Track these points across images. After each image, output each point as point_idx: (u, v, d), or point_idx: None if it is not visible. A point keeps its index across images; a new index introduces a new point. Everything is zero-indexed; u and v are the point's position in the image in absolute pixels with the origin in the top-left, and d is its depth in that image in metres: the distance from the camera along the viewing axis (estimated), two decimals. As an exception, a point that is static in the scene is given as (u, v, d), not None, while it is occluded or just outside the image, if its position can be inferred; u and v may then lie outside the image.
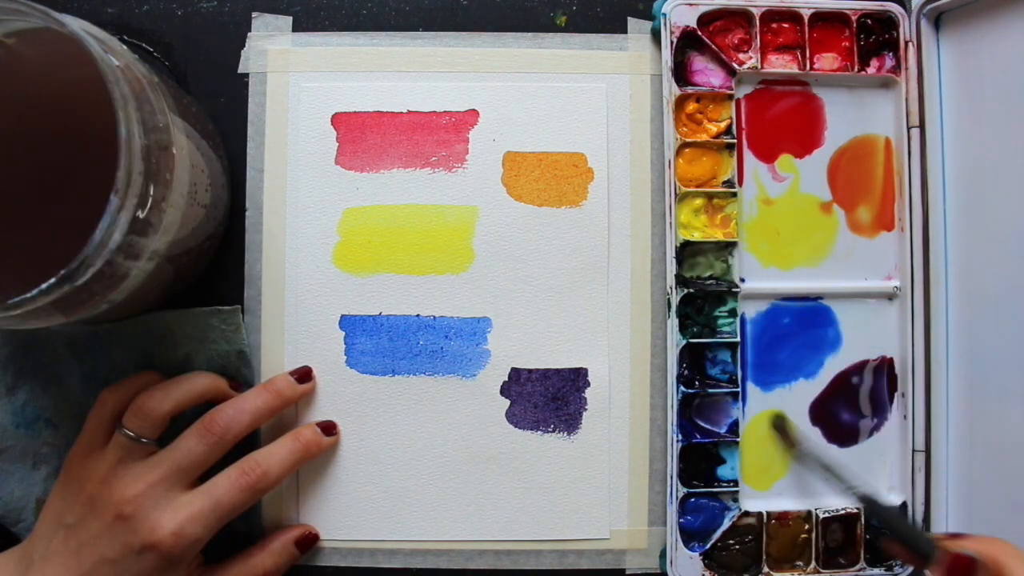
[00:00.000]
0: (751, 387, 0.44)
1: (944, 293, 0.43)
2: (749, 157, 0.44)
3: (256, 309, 0.43)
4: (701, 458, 0.43)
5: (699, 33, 0.43)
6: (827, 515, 0.43)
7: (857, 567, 0.42)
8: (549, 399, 0.43)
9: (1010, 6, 0.40)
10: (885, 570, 0.43)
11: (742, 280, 0.43)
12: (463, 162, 0.43)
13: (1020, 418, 0.40)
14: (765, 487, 0.44)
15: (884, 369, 0.44)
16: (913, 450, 0.43)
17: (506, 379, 0.43)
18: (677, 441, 0.42)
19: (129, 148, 0.29)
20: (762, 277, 0.44)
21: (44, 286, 0.29)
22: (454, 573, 0.43)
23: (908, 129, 0.43)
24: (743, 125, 0.44)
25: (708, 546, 0.42)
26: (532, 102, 0.43)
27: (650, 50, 0.44)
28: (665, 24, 0.43)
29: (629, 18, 0.44)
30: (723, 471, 0.43)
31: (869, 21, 0.44)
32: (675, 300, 0.42)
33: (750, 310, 0.44)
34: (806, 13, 0.43)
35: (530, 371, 0.43)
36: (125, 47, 0.33)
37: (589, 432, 0.43)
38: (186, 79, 0.43)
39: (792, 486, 0.44)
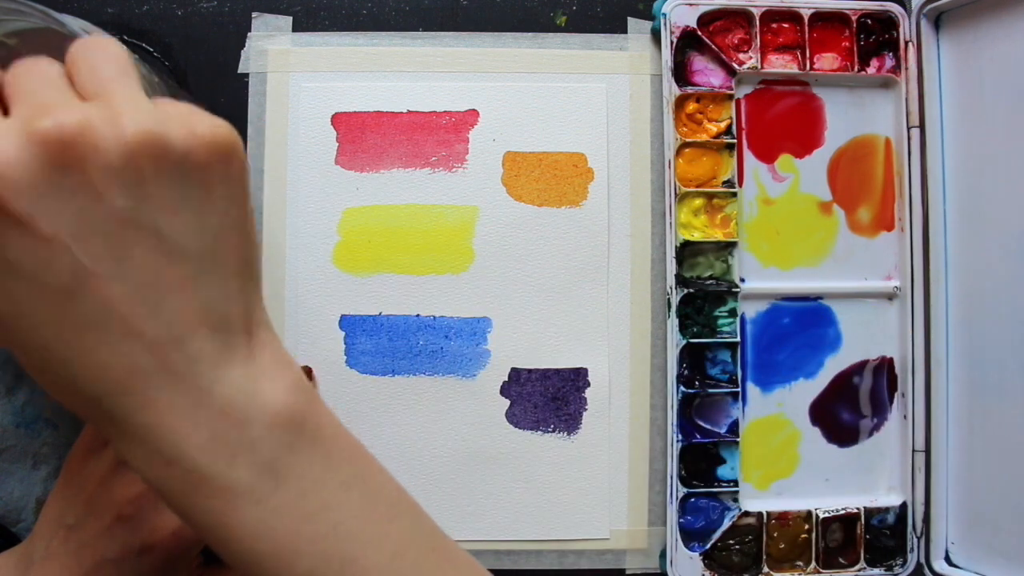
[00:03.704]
0: (751, 387, 0.44)
1: (944, 293, 0.43)
2: (749, 157, 0.44)
3: (256, 309, 0.43)
4: (701, 458, 0.43)
5: (699, 33, 0.43)
6: (827, 515, 0.43)
7: (857, 567, 0.42)
8: (549, 399, 0.43)
9: (1010, 6, 0.40)
10: (885, 570, 0.43)
11: (742, 280, 0.43)
12: (463, 162, 0.43)
13: (1020, 418, 0.40)
14: (765, 487, 0.44)
15: (884, 369, 0.44)
16: (913, 450, 0.43)
17: (506, 379, 0.43)
18: (677, 441, 0.42)
19: (129, 148, 0.29)
20: (762, 277, 0.44)
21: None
22: (454, 573, 0.43)
23: (908, 129, 0.43)
24: (743, 125, 0.44)
25: (708, 546, 0.42)
26: (532, 102, 0.43)
27: (650, 50, 0.44)
28: (665, 24, 0.43)
29: (629, 18, 0.44)
30: (723, 471, 0.43)
31: (869, 21, 0.44)
32: (675, 300, 0.42)
33: (750, 310, 0.44)
34: (806, 13, 0.43)
35: (530, 371, 0.43)
36: (125, 47, 0.33)
37: (589, 432, 0.43)
38: (186, 79, 0.43)
39: (792, 486, 0.44)
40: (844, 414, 0.44)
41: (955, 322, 0.43)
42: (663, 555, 0.42)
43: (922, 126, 0.43)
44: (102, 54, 0.22)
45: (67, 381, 0.21)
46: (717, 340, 0.43)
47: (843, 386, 0.44)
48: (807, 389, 0.44)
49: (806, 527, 0.43)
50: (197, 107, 0.22)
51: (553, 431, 0.43)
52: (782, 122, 0.44)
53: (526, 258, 0.43)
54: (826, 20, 0.44)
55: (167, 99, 0.22)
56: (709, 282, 0.43)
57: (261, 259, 0.22)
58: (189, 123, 0.21)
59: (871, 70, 0.44)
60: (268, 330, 0.25)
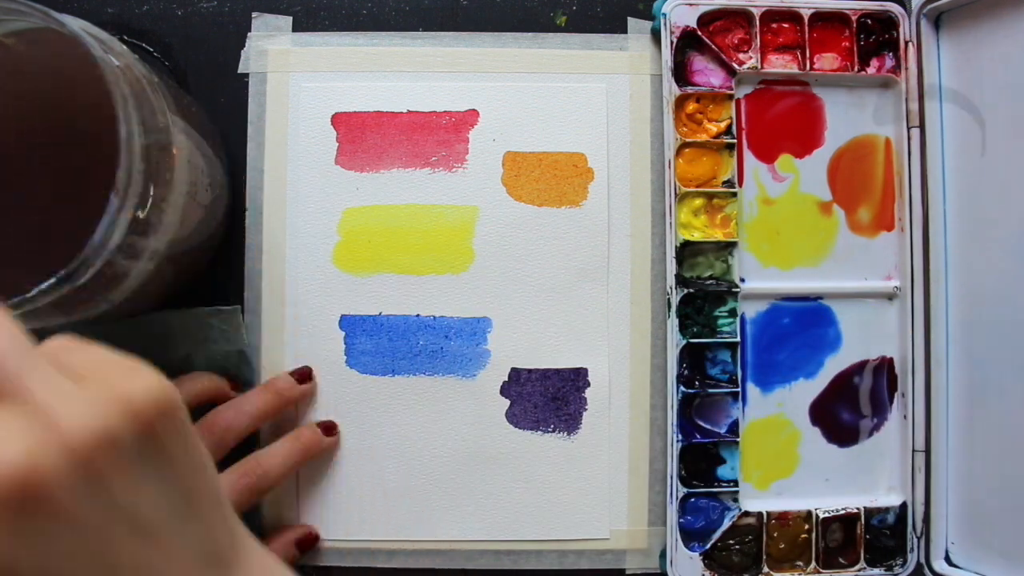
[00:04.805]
0: (751, 387, 0.44)
1: (944, 293, 0.43)
2: (749, 157, 0.44)
3: (256, 309, 0.43)
4: (701, 458, 0.43)
5: (699, 33, 0.43)
6: (827, 515, 0.43)
7: (857, 567, 0.42)
8: (549, 399, 0.43)
9: (1010, 6, 0.40)
10: (885, 570, 0.43)
11: (742, 280, 0.43)
12: (463, 162, 0.43)
13: (1020, 418, 0.40)
14: (765, 487, 0.44)
15: (884, 369, 0.44)
16: (913, 450, 0.43)
17: (506, 379, 0.43)
18: (677, 441, 0.42)
19: (129, 148, 0.29)
20: (762, 277, 0.44)
21: (44, 286, 0.29)
22: (454, 573, 0.43)
23: (908, 129, 0.43)
24: (743, 125, 0.44)
25: (708, 546, 0.42)
26: (532, 102, 0.43)
27: (650, 50, 0.44)
28: (665, 24, 0.43)
29: (629, 18, 0.44)
30: (723, 471, 0.43)
31: (869, 21, 0.44)
32: (675, 300, 0.42)
33: (750, 310, 0.44)
34: (806, 13, 0.43)
35: (530, 371, 0.43)
36: (125, 47, 0.33)
37: (589, 432, 0.43)
38: (186, 79, 0.43)
39: (792, 486, 0.44)
40: (844, 414, 0.44)
41: (955, 322, 0.43)
42: (663, 555, 0.42)
43: (922, 126, 0.43)
44: None
45: None
46: (717, 340, 0.43)
47: (843, 386, 0.44)
48: (807, 389, 0.44)
49: (806, 527, 0.43)
50: (110, 357, 0.21)
51: (553, 431, 0.43)
52: (782, 122, 0.44)
53: (526, 258, 0.43)
54: (826, 20, 0.44)
55: (76, 352, 0.21)
56: (709, 282, 0.43)
57: (217, 476, 0.24)
58: (121, 398, 0.20)
59: (871, 70, 0.44)
60: (248, 538, 0.25)
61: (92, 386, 0.20)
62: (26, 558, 0.18)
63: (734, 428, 0.43)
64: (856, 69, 0.44)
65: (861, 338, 0.44)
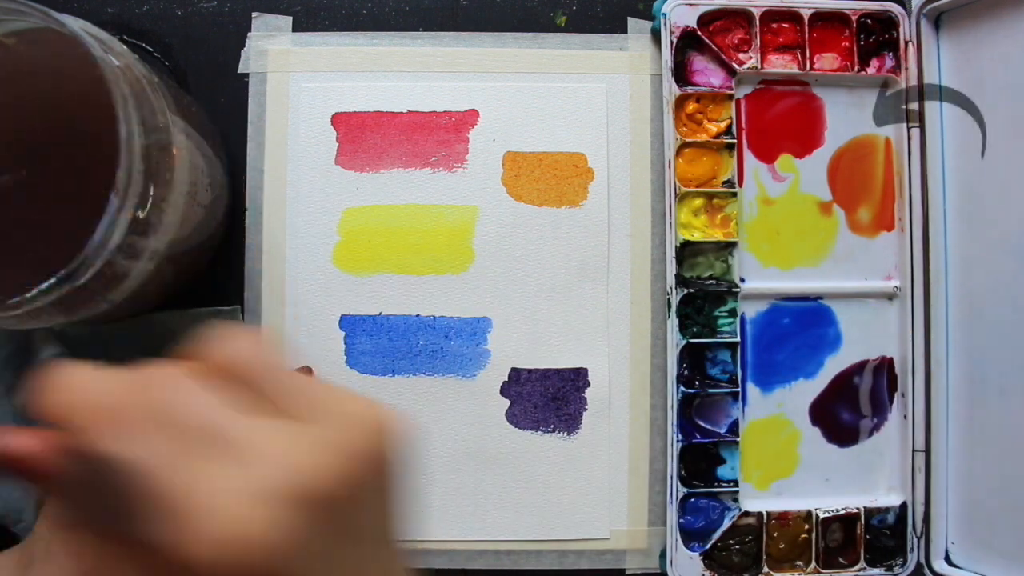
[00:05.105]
0: (751, 387, 0.44)
1: (944, 293, 0.43)
2: (749, 157, 0.44)
3: (256, 309, 0.43)
4: (701, 458, 0.43)
5: (699, 33, 0.43)
6: (827, 515, 0.43)
7: (857, 567, 0.42)
8: (549, 399, 0.43)
9: (1010, 6, 0.40)
10: (885, 570, 0.43)
11: (742, 280, 0.43)
12: (463, 162, 0.43)
13: (1020, 418, 0.40)
14: (765, 487, 0.44)
15: (884, 369, 0.44)
16: (913, 450, 0.43)
17: (506, 379, 0.43)
18: (677, 441, 0.42)
19: (129, 148, 0.29)
20: (762, 277, 0.44)
21: (44, 286, 0.29)
22: (454, 573, 0.43)
23: (908, 129, 0.43)
24: (743, 125, 0.44)
25: (708, 546, 0.42)
26: (532, 102, 0.43)
27: (650, 50, 0.44)
28: (665, 24, 0.43)
29: (629, 18, 0.44)
30: (723, 471, 0.43)
31: (869, 21, 0.44)
32: (675, 300, 0.42)
33: (750, 310, 0.44)
34: (806, 13, 0.43)
35: (530, 371, 0.43)
36: (125, 47, 0.33)
37: (589, 432, 0.43)
38: (186, 79, 0.43)
39: (792, 486, 0.44)
40: (844, 414, 0.44)
41: (955, 322, 0.43)
42: (663, 555, 0.42)
43: (922, 126, 0.43)
44: (270, 358, 0.22)
45: None
46: (717, 340, 0.43)
47: (843, 386, 0.44)
48: (807, 389, 0.44)
49: (806, 527, 0.43)
50: (350, 394, 0.22)
51: (553, 431, 0.43)
52: (782, 122, 0.44)
53: (526, 258, 0.43)
54: (826, 20, 0.44)
55: (318, 389, 0.22)
56: (709, 282, 0.43)
57: None
58: (378, 421, 0.21)
59: (871, 70, 0.44)
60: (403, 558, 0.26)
61: (349, 404, 0.21)
62: (315, 564, 0.19)
63: (734, 428, 0.43)
64: (856, 69, 0.44)
65: (861, 338, 0.44)
